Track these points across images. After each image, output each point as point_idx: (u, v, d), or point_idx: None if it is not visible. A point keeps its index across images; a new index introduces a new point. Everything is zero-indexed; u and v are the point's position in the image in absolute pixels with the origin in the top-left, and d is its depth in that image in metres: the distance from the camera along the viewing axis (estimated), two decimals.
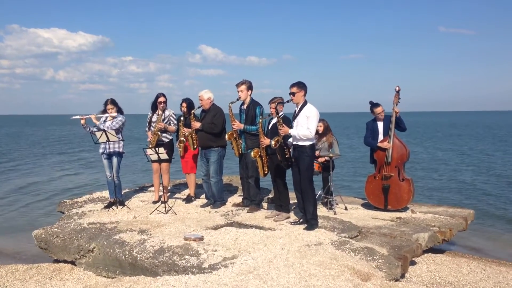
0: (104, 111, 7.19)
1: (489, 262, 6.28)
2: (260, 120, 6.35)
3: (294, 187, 6.01)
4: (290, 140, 5.87)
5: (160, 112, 7.25)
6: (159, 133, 7.20)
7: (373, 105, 7.17)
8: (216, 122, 6.91)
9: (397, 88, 7.04)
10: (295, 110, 5.76)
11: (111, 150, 7.08)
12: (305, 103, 5.70)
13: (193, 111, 7.11)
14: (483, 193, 12.15)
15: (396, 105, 7.02)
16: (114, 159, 7.13)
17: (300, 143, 5.69)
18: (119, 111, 7.25)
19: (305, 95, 5.72)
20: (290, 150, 5.94)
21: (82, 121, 7.04)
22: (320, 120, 6.62)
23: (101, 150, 7.15)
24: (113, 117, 7.15)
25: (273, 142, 5.76)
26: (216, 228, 5.97)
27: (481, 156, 22.01)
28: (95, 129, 7.08)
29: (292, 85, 5.71)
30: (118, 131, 7.05)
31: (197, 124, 6.98)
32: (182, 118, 7.33)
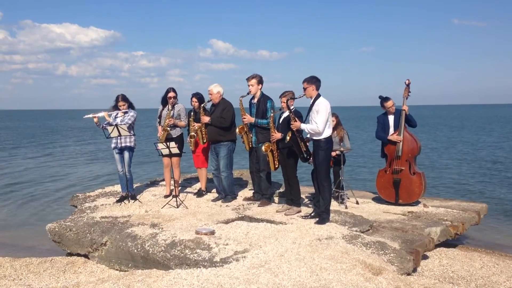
0: (115, 106, 7.25)
1: (502, 256, 6.22)
2: (272, 114, 6.35)
3: (312, 179, 6.05)
4: (308, 135, 5.92)
5: (170, 107, 7.28)
6: (168, 128, 7.22)
7: (383, 99, 7.12)
8: (225, 116, 6.91)
9: (407, 82, 6.99)
10: (310, 104, 5.80)
11: (123, 144, 7.13)
12: (317, 97, 5.73)
13: (202, 105, 7.13)
14: (496, 187, 12.03)
15: (406, 98, 6.97)
16: (126, 154, 7.18)
17: (315, 137, 5.73)
18: (130, 106, 7.30)
19: (317, 89, 5.76)
20: (308, 144, 5.96)
21: (95, 119, 7.12)
22: (333, 114, 6.62)
23: (113, 145, 7.21)
24: (124, 113, 7.20)
25: (288, 138, 5.81)
26: (227, 222, 6.00)
27: (495, 150, 21.76)
28: (108, 124, 7.13)
29: (303, 81, 5.80)
30: (130, 126, 7.10)
31: (206, 118, 6.98)
32: (192, 113, 7.34)
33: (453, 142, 26.56)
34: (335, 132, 7.27)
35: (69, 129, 49.13)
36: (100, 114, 7.17)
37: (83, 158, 20.73)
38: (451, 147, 23.31)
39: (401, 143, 6.85)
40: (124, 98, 7.23)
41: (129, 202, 7.20)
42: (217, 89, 7.00)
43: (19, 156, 21.58)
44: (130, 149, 7.22)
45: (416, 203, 6.99)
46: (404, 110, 6.88)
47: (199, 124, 7.09)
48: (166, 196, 7.52)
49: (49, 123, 66.89)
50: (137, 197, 7.49)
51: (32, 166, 17.78)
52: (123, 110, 7.20)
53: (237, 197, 7.39)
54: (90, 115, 7.19)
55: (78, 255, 6.06)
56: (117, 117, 7.22)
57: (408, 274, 4.62)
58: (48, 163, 18.88)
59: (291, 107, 5.99)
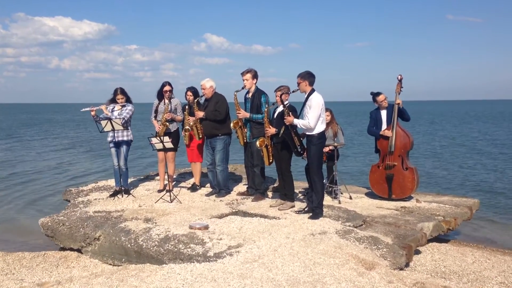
0: (113, 100, 7.21)
1: (493, 251, 6.28)
2: (266, 109, 6.35)
3: (306, 174, 6.07)
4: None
5: (166, 101, 7.25)
6: (167, 123, 7.20)
7: (375, 94, 7.13)
8: (219, 109, 6.89)
9: (399, 77, 7.00)
10: (304, 100, 5.82)
11: (119, 139, 7.10)
12: (311, 92, 5.74)
13: (196, 100, 7.11)
14: (488, 183, 12.12)
15: (399, 94, 6.98)
16: (122, 148, 7.15)
17: (307, 132, 5.75)
18: (128, 100, 7.27)
19: (311, 84, 5.78)
20: (302, 139, 5.98)
21: (93, 113, 7.08)
22: (327, 109, 6.64)
23: (109, 139, 7.16)
24: (122, 106, 7.17)
25: (281, 132, 5.83)
26: (221, 216, 6.00)
27: (486, 146, 21.90)
28: (102, 118, 7.09)
29: (297, 76, 5.81)
30: (128, 120, 7.07)
31: (200, 113, 6.96)
32: (187, 107, 7.31)
33: (445, 137, 26.70)
34: (329, 127, 7.28)
35: (62, 122, 48.83)
36: (98, 108, 7.14)
37: (75, 151, 20.61)
38: (444, 142, 23.43)
39: (393, 139, 6.87)
40: (123, 92, 7.20)
41: (122, 196, 7.18)
42: (210, 83, 6.98)
43: (8, 148, 21.41)
44: (127, 143, 7.19)
45: (409, 198, 7.03)
46: (398, 104, 6.89)
47: (194, 118, 7.07)
48: (160, 191, 7.50)
49: (40, 116, 66.39)
50: (131, 191, 7.47)
51: (26, 158, 17.66)
52: (121, 104, 7.16)
53: (231, 192, 7.38)
54: (88, 108, 7.14)
55: (71, 249, 6.04)
56: (114, 110, 7.18)
57: (401, 269, 4.66)
58: (41, 155, 18.75)
59: (285, 102, 6.00)
